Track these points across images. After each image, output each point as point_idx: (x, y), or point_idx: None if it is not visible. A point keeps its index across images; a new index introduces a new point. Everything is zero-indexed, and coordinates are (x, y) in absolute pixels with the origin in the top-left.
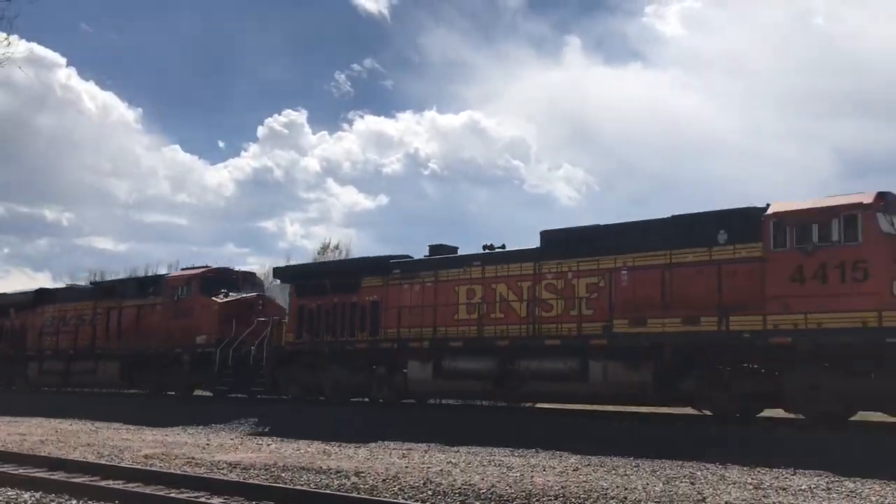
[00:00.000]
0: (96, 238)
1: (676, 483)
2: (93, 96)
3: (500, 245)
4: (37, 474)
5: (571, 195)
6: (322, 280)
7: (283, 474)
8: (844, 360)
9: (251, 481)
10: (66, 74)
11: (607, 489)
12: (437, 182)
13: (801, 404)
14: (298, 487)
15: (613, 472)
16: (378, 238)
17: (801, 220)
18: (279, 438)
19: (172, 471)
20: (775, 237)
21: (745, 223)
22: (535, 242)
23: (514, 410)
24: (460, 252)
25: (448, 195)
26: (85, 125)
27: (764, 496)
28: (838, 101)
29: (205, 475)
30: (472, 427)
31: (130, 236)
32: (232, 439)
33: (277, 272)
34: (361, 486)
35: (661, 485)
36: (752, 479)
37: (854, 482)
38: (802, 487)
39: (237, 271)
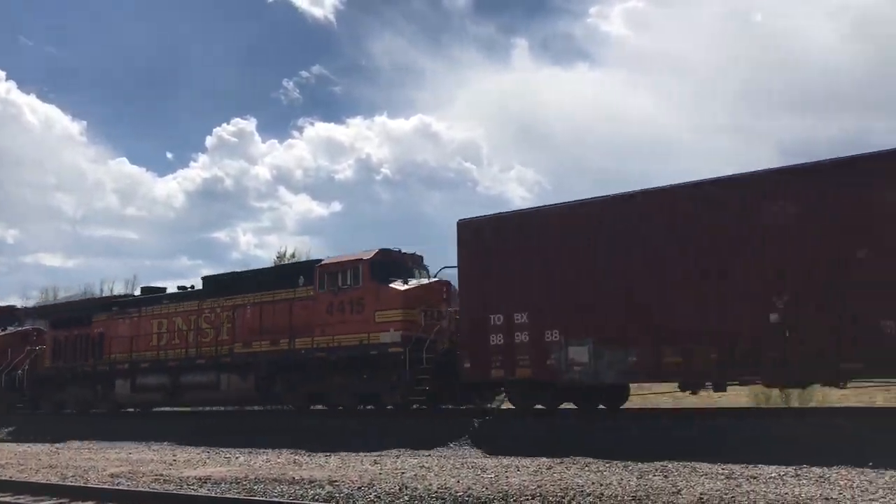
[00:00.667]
0: (44, 255)
1: (650, 477)
2: (34, 109)
3: (190, 286)
4: (1, 499)
5: (524, 196)
6: (67, 316)
7: (255, 487)
8: (355, 367)
9: (226, 496)
10: (5, 88)
11: (583, 486)
12: (390, 187)
13: (338, 399)
14: (274, 500)
15: (587, 468)
16: (333, 245)
17: (332, 270)
18: (248, 451)
19: (141, 489)
20: (320, 281)
21: (310, 271)
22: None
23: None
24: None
25: (402, 200)
26: (27, 139)
27: (736, 485)
28: (780, 96)
29: (175, 492)
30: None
31: (80, 252)
32: (199, 454)
33: (37, 310)
34: (337, 494)
35: (635, 479)
36: (723, 469)
37: (821, 468)
38: (772, 475)
39: (20, 308)
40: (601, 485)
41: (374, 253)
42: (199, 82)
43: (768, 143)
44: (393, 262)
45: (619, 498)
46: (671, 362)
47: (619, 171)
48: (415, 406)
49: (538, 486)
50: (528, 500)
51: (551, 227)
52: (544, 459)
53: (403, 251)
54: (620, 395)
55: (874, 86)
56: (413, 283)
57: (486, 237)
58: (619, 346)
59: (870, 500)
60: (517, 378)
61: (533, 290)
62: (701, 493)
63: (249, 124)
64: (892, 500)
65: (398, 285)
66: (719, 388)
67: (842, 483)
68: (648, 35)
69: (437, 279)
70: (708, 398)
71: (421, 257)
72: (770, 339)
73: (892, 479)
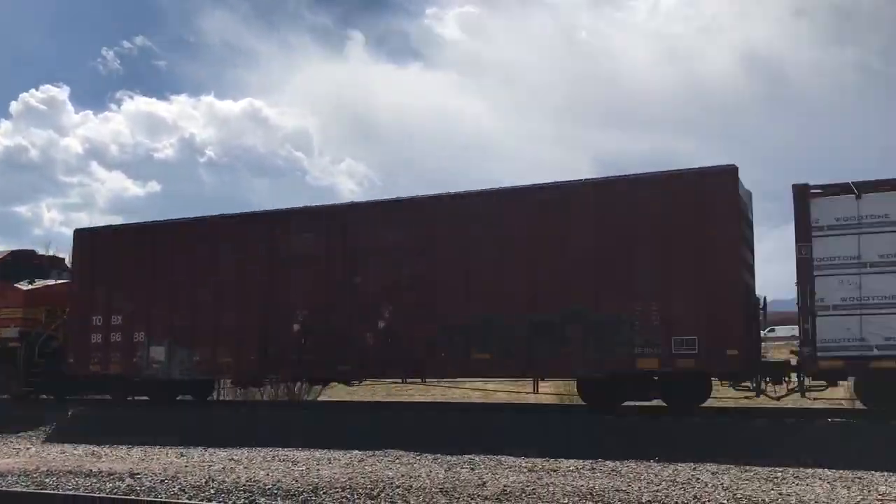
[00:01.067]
0: None
1: (457, 469)
2: None
3: None
4: None
5: (353, 188)
6: None
7: (46, 480)
8: None
9: (12, 489)
10: None
11: (393, 478)
12: (214, 170)
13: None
14: (68, 493)
15: (398, 461)
16: None
17: None
18: (41, 442)
19: None
20: None
21: None
22: None
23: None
24: None
25: (226, 184)
26: None
27: (538, 478)
28: (598, 111)
29: None
30: None
31: None
32: None
33: None
34: (138, 487)
35: (443, 472)
36: (527, 463)
37: (614, 462)
38: (571, 468)
39: None
40: (411, 477)
41: (5, 255)
42: (5, 43)
43: (586, 154)
44: (25, 264)
45: (427, 490)
46: (224, 362)
47: (447, 170)
48: (34, 396)
49: (349, 479)
50: (338, 492)
51: (144, 242)
52: (356, 452)
53: (41, 253)
54: (209, 389)
55: (681, 107)
56: (39, 283)
57: (95, 246)
58: (187, 347)
59: (654, 490)
60: (110, 373)
61: (128, 295)
62: (504, 486)
63: (62, 92)
64: (673, 490)
65: (22, 285)
66: (258, 383)
67: (631, 475)
68: (481, 41)
69: (65, 281)
70: (517, 395)
71: (62, 259)
72: (293, 344)
73: (674, 472)
